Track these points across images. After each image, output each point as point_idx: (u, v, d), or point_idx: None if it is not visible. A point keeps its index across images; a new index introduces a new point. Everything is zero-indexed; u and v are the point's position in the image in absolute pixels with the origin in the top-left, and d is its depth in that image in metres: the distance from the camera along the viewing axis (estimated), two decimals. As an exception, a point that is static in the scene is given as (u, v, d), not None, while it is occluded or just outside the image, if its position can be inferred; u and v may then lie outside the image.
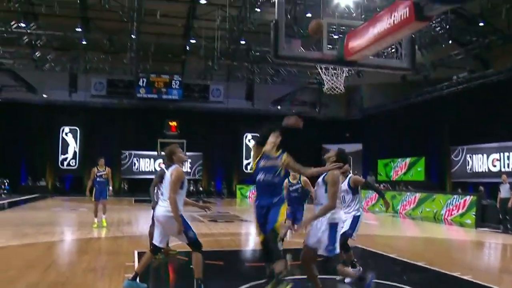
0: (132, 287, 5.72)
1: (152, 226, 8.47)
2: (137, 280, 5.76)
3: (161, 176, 8.49)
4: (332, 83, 7.04)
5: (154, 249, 5.87)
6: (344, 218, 6.42)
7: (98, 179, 12.65)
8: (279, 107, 32.40)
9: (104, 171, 12.83)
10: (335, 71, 7.48)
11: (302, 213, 8.07)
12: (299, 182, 8.00)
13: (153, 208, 8.50)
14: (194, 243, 5.74)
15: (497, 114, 20.48)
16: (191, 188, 29.02)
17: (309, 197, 7.77)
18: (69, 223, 14.64)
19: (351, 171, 6.84)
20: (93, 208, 12.85)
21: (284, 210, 5.28)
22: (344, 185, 6.53)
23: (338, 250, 5.15)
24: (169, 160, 6.07)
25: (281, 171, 5.33)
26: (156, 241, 5.87)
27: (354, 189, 6.60)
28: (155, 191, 8.43)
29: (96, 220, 12.70)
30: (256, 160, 5.46)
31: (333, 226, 5.07)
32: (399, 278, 7.10)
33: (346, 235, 6.37)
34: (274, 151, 5.39)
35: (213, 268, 6.27)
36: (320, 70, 7.24)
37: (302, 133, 6.40)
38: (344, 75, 7.17)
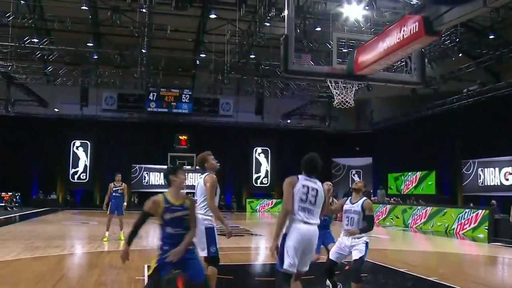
0: None
1: None
2: None
3: None
4: (342, 97, 7.03)
5: (210, 260, 5.85)
6: (351, 242, 6.05)
7: (114, 193, 12.94)
8: (288, 121, 32.47)
9: (120, 186, 13.06)
10: (345, 85, 7.48)
11: (332, 238, 7.29)
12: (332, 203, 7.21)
13: None
14: (213, 258, 5.78)
15: (509, 127, 20.32)
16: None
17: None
18: (79, 237, 14.68)
19: (364, 188, 6.34)
20: (106, 221, 13.00)
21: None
22: (357, 206, 6.10)
23: (281, 266, 4.74)
24: (201, 167, 6.11)
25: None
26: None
27: (364, 214, 6.09)
28: None
29: (107, 233, 12.80)
30: (160, 213, 4.70)
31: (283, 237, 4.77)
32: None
33: (362, 261, 6.01)
34: (177, 197, 4.83)
35: (223, 282, 6.25)
36: (329, 84, 7.25)
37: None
38: (354, 88, 7.16)
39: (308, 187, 4.85)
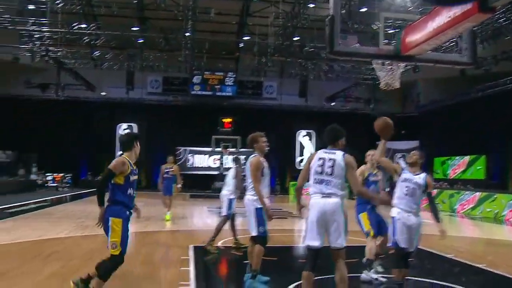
0: (253, 286, 5.85)
1: (222, 222, 8.64)
2: (256, 277, 5.91)
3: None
4: (388, 79, 6.85)
5: (257, 239, 5.95)
6: (414, 222, 5.52)
7: (165, 175, 13.28)
8: (333, 103, 32.10)
9: (171, 168, 13.43)
10: (391, 67, 7.29)
11: (386, 226, 6.59)
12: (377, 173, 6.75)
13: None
14: (260, 238, 5.88)
15: None
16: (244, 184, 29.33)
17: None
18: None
19: (420, 160, 5.72)
20: (163, 203, 13.64)
21: None
22: (420, 179, 5.56)
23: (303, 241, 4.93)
24: (251, 148, 6.26)
25: None
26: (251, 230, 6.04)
27: (426, 189, 5.58)
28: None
29: (168, 213, 13.41)
30: (126, 174, 5.02)
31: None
32: (457, 279, 6.89)
33: (417, 248, 5.67)
34: (134, 162, 5.15)
35: (267, 263, 6.31)
36: (375, 66, 7.08)
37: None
38: (401, 70, 6.95)
39: (324, 159, 4.88)
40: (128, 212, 5.00)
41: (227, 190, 8.74)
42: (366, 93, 31.68)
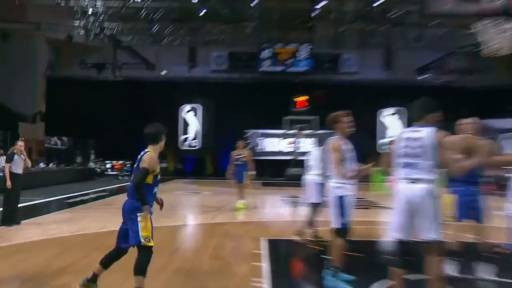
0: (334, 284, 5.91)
1: (313, 210, 8.67)
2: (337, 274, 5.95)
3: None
4: (495, 44, 6.52)
5: (337, 231, 5.97)
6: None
7: (236, 162, 13.42)
8: (423, 76, 31.11)
9: (242, 154, 13.54)
10: (496, 29, 6.94)
11: (480, 215, 6.40)
12: None
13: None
14: (342, 231, 5.84)
15: None
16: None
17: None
18: (192, 207, 15.49)
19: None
20: (237, 191, 13.80)
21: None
22: None
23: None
24: (330, 128, 6.18)
25: None
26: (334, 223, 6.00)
27: None
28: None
29: (240, 202, 13.63)
30: (157, 172, 5.23)
31: None
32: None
33: None
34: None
35: (351, 259, 6.26)
36: (478, 29, 6.77)
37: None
38: (510, 32, 6.60)
39: (409, 139, 4.72)
40: (150, 207, 5.20)
41: (313, 174, 8.61)
42: (464, 63, 30.43)
